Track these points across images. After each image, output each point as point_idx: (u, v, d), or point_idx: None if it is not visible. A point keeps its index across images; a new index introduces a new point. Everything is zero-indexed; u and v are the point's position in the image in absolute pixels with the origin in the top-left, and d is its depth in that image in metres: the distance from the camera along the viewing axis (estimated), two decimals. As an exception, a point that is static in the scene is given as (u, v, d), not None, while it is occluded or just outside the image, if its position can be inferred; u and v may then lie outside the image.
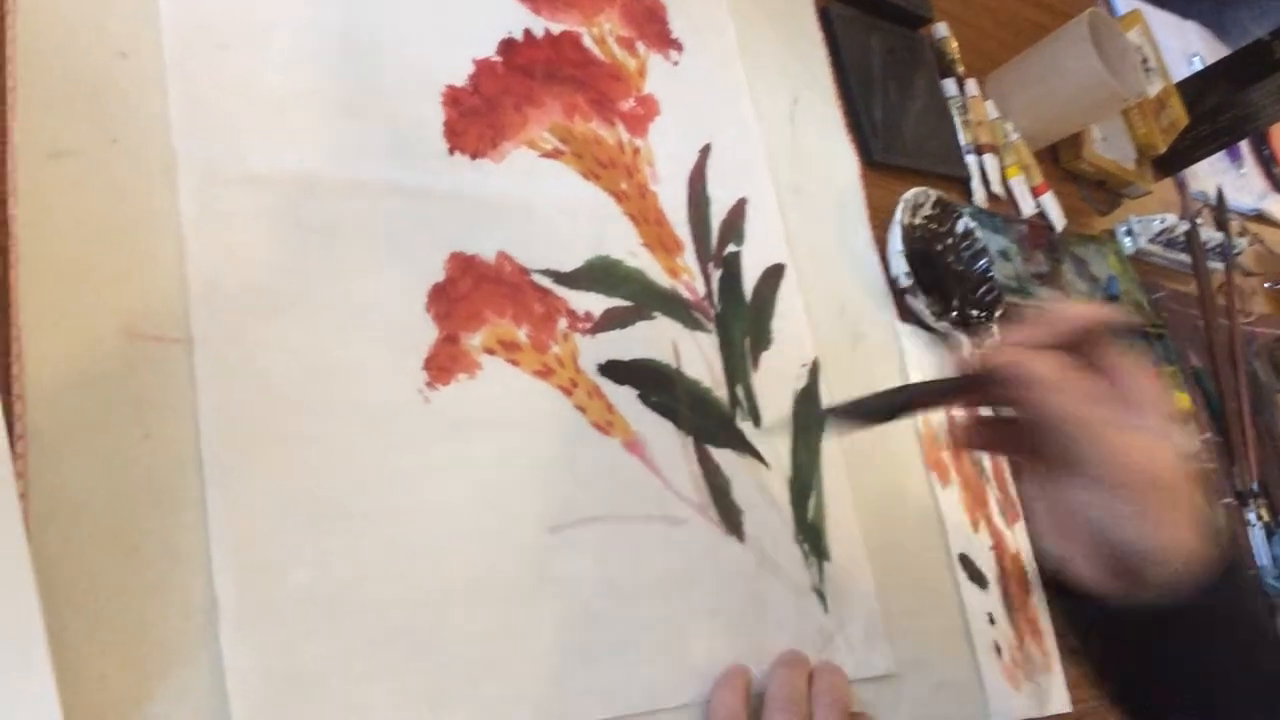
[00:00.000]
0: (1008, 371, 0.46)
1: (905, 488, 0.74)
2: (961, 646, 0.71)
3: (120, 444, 0.42)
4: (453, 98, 0.58)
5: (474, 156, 0.58)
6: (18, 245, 0.41)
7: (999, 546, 0.78)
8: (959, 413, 0.53)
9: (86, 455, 0.41)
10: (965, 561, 0.74)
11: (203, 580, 0.42)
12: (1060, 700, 0.75)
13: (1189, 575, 0.48)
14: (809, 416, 0.69)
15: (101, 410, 0.42)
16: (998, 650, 0.72)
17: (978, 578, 0.74)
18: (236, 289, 0.47)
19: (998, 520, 0.79)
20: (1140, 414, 0.47)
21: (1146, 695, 0.54)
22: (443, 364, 0.52)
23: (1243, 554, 0.54)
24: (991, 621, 0.73)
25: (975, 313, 0.83)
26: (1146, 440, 0.47)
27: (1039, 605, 0.79)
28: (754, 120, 0.76)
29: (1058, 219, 1.00)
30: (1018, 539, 0.81)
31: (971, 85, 0.98)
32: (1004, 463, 0.83)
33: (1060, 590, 0.54)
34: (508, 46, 0.62)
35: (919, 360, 0.79)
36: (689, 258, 0.66)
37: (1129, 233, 1.09)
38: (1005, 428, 0.52)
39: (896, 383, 0.77)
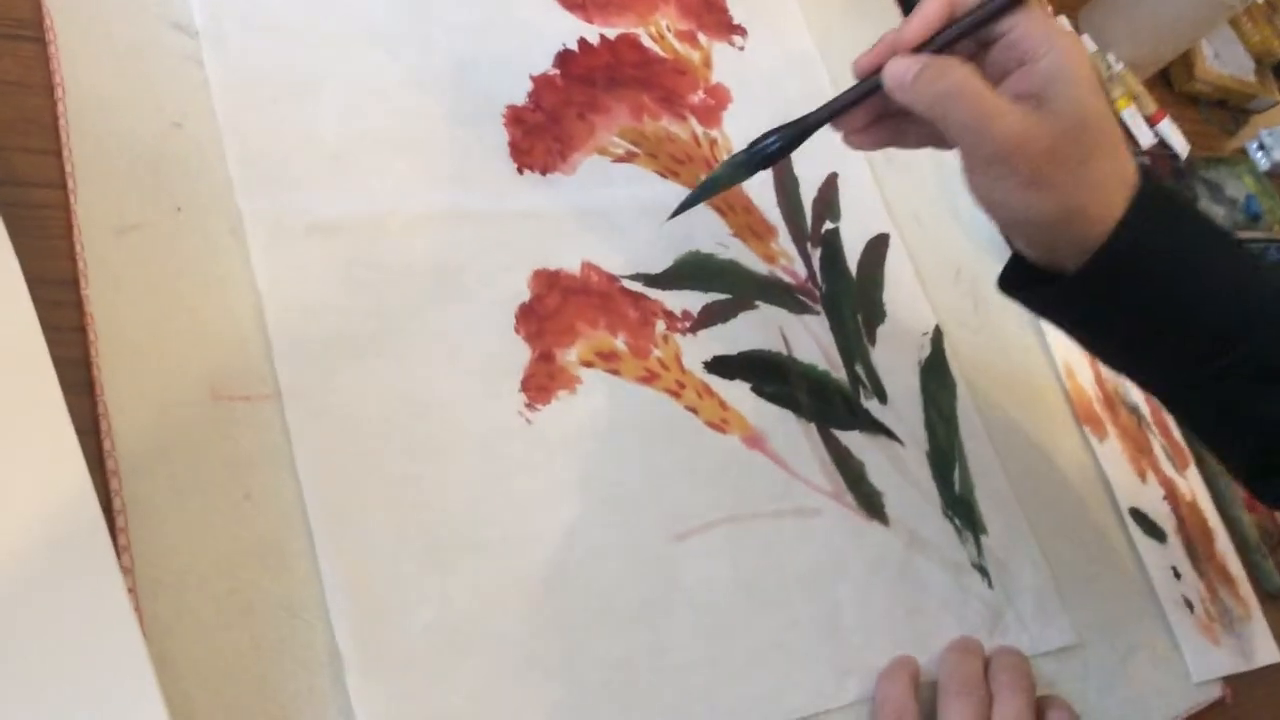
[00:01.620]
0: (881, 80, 0.49)
1: (1058, 447, 0.69)
2: (1148, 606, 0.66)
3: (221, 506, 0.41)
4: (514, 117, 0.57)
5: (544, 172, 0.57)
6: (94, 323, 0.41)
7: (1172, 496, 0.72)
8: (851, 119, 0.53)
9: (188, 521, 0.40)
10: (1137, 516, 0.69)
11: (323, 633, 0.41)
12: (1268, 650, 0.69)
13: (1096, 233, 0.48)
14: (940, 387, 0.65)
15: (197, 475, 0.41)
16: (1188, 605, 0.67)
17: (1154, 531, 0.69)
18: (319, 338, 0.46)
19: (1166, 468, 0.74)
20: (1028, 75, 0.47)
21: (1128, 357, 0.56)
22: (540, 383, 0.50)
23: (1175, 202, 0.52)
24: (1177, 575, 0.68)
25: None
26: (1012, 109, 0.46)
27: (1227, 552, 0.73)
28: (832, 91, 0.73)
29: (1180, 145, 0.94)
30: (1192, 485, 0.75)
31: (1063, 22, 0.93)
32: (1164, 410, 0.77)
33: (1011, 282, 0.55)
34: (564, 58, 0.61)
35: (1051, 312, 0.74)
36: (784, 241, 0.63)
37: (1261, 147, 1.02)
38: (904, 121, 0.52)
39: (1031, 344, 0.72)
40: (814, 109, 0.52)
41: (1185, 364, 0.52)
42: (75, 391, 0.39)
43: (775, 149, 0.52)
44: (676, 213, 0.55)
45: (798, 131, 0.52)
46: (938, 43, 0.48)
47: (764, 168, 0.53)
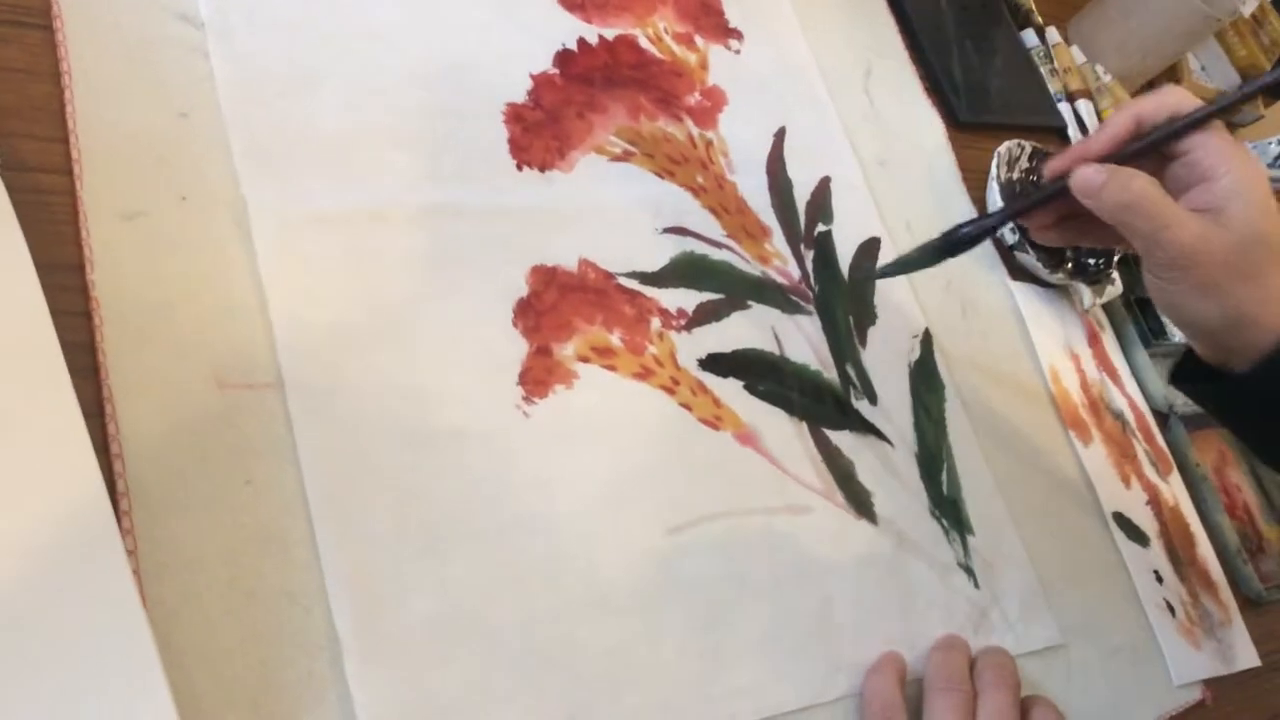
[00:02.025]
0: (1069, 184, 0.52)
1: (1045, 451, 0.70)
2: (1130, 609, 0.67)
3: (224, 493, 0.42)
4: (514, 114, 0.58)
5: (543, 169, 0.57)
6: (100, 308, 0.41)
7: (1155, 501, 0.73)
8: (1039, 218, 0.58)
9: (191, 507, 0.41)
10: (1121, 520, 0.70)
11: (322, 619, 0.41)
12: (1247, 655, 0.70)
13: (1265, 339, 0.51)
14: (928, 390, 0.66)
15: (201, 462, 0.42)
16: (1170, 609, 0.68)
17: (1137, 535, 0.70)
18: (322, 328, 0.47)
19: (1149, 473, 0.75)
20: (1207, 191, 0.51)
21: None
22: (538, 377, 0.51)
23: None
24: (1159, 579, 0.69)
25: (1092, 261, 0.79)
26: (1190, 219, 0.50)
27: (1208, 557, 0.74)
28: (827, 97, 0.74)
29: (1166, 156, 0.94)
30: (1175, 490, 0.76)
31: (1053, 33, 0.95)
32: (1148, 414, 0.78)
33: (1182, 376, 0.59)
34: (563, 58, 0.62)
35: (1039, 318, 0.75)
36: (778, 242, 0.64)
37: (1246, 160, 1.03)
38: (1090, 222, 0.54)
39: (1018, 348, 0.73)
40: (1006, 205, 0.57)
41: None
42: (80, 375, 0.40)
43: (967, 236, 0.58)
44: (875, 275, 0.65)
45: (990, 224, 0.58)
46: (1123, 153, 0.52)
47: (954, 254, 0.59)
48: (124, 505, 0.39)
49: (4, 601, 0.35)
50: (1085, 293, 0.78)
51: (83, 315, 0.41)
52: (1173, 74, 1.01)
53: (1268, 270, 0.50)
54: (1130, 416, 0.77)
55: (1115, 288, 0.79)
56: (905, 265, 0.62)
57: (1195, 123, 0.51)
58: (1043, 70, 0.91)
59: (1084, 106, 0.91)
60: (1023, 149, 0.79)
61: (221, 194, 0.47)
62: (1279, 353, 0.51)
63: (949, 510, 0.61)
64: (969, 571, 0.60)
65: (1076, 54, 0.95)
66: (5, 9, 0.46)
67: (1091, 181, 0.51)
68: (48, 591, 0.35)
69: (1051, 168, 0.55)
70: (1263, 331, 0.51)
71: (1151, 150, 0.52)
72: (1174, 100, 0.52)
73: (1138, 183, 0.50)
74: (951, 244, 0.58)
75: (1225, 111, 0.52)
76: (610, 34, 0.64)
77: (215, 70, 0.49)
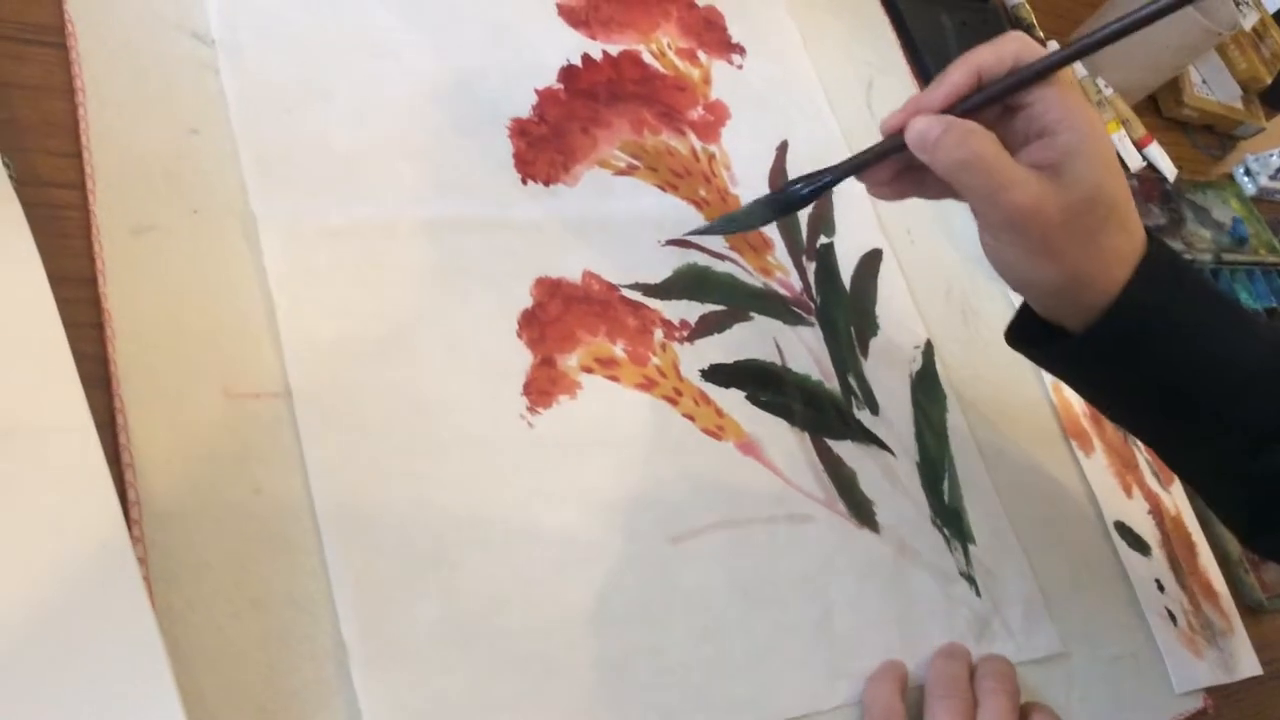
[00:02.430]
0: (904, 139, 0.50)
1: (1046, 460, 0.70)
2: (1131, 618, 0.67)
3: (233, 501, 0.42)
4: (519, 129, 0.59)
5: (547, 183, 0.58)
6: (112, 320, 0.42)
7: (1156, 510, 0.74)
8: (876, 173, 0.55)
9: (201, 516, 0.41)
10: (1122, 529, 0.70)
11: (329, 626, 0.42)
12: (1249, 663, 0.70)
13: (1101, 299, 0.50)
14: (930, 399, 0.66)
15: (211, 470, 0.42)
16: (1172, 618, 0.68)
17: (1138, 544, 0.70)
18: (330, 339, 0.47)
19: (1151, 483, 0.75)
20: (1047, 146, 0.49)
21: (1129, 415, 0.59)
22: (542, 388, 0.52)
23: (1179, 268, 0.54)
24: (1160, 588, 0.69)
25: (1092, 272, 0.79)
26: (1028, 178, 0.48)
27: (1210, 566, 0.74)
28: (829, 111, 0.74)
29: (1168, 169, 0.95)
30: (1176, 500, 0.76)
31: (1054, 47, 0.95)
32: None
33: (1020, 336, 0.57)
34: (568, 73, 0.62)
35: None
36: (780, 254, 0.65)
37: (1247, 173, 1.04)
38: (927, 173, 0.52)
39: (1019, 359, 0.73)
40: (840, 161, 0.55)
41: (1182, 424, 0.55)
42: (93, 386, 0.40)
43: (801, 195, 0.56)
44: (690, 235, 0.60)
45: (823, 182, 0.55)
46: (962, 107, 0.50)
47: (787, 213, 0.57)
48: (135, 514, 0.40)
49: (19, 607, 0.35)
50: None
51: (95, 327, 0.42)
52: (1174, 87, 1.02)
53: (1106, 229, 0.50)
54: (1132, 427, 0.77)
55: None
56: (731, 222, 0.60)
57: (1038, 74, 0.49)
58: (1044, 84, 0.91)
59: (1085, 119, 0.91)
60: (1024, 162, 0.80)
61: (231, 208, 0.48)
62: (1113, 313, 0.50)
63: (951, 519, 0.62)
64: (971, 580, 0.60)
65: (1077, 68, 0.96)
66: (21, 27, 0.47)
67: (927, 135, 0.49)
68: (61, 598, 0.36)
69: (888, 123, 0.52)
70: (1099, 293, 0.50)
71: (991, 103, 0.50)
72: (1015, 48, 0.50)
73: (975, 139, 0.48)
74: (784, 201, 0.57)
75: (1067, 61, 0.49)
76: (614, 49, 0.65)
77: (225, 87, 0.50)
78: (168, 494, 0.41)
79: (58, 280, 0.41)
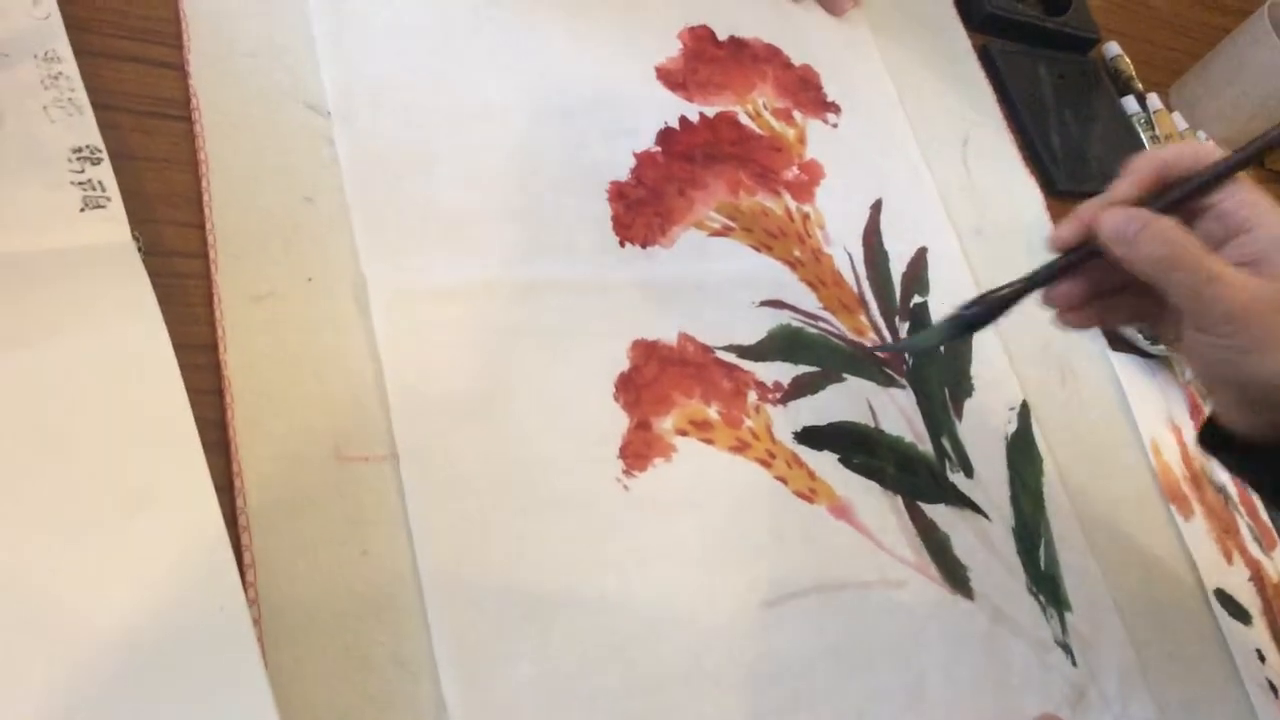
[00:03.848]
0: (1091, 235, 0.48)
1: (1144, 525, 0.69)
2: (1231, 689, 0.65)
3: (341, 562, 0.44)
4: (618, 192, 0.60)
5: (644, 245, 0.59)
6: (230, 386, 0.44)
7: (1258, 577, 0.72)
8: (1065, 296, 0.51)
9: (311, 576, 0.43)
10: (1223, 597, 0.68)
11: (430, 685, 0.43)
12: (1356, 739, 0.68)
13: None
14: (1026, 462, 0.66)
15: (321, 532, 0.44)
16: (1273, 689, 0.66)
17: (1239, 613, 0.68)
18: (434, 400, 0.49)
19: (1252, 549, 0.73)
20: (1245, 244, 0.46)
21: None
22: (638, 450, 0.52)
23: None
24: (1261, 659, 0.67)
25: (1193, 331, 0.78)
26: (1236, 273, 0.45)
27: (1316, 638, 0.72)
28: (924, 168, 0.75)
29: (1272, 222, 0.93)
30: (1279, 567, 0.74)
31: (1154, 99, 0.94)
32: (1249, 490, 0.77)
33: (1224, 446, 0.53)
34: (666, 136, 0.64)
35: (1139, 389, 0.74)
36: (873, 314, 0.65)
37: (1356, 225, 1.00)
38: (1115, 298, 0.50)
39: (1118, 420, 0.73)
40: (1024, 275, 0.51)
41: None
42: (212, 450, 0.42)
43: (975, 316, 0.52)
44: (876, 349, 0.59)
45: (1000, 301, 0.51)
46: (1153, 208, 0.47)
47: (964, 335, 0.55)
48: (250, 576, 0.41)
49: (140, 665, 0.37)
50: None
51: (215, 393, 0.44)
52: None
53: None
54: (1233, 490, 0.76)
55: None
56: (912, 345, 0.58)
57: (1222, 174, 0.47)
58: (1144, 137, 0.90)
59: (1186, 173, 0.90)
60: (1122, 218, 0.79)
61: (344, 273, 0.49)
62: None
63: (1047, 586, 0.61)
64: (1067, 649, 0.60)
65: (1178, 120, 0.94)
66: (150, 101, 0.50)
67: (1125, 230, 0.46)
68: (180, 654, 0.38)
69: (1058, 236, 0.50)
70: None
71: (1176, 206, 0.47)
72: (1192, 150, 0.48)
73: (1177, 232, 0.46)
74: (964, 324, 0.53)
75: (1252, 160, 0.47)
76: (711, 111, 0.66)
77: (340, 155, 0.52)
78: (281, 555, 0.42)
79: (181, 348, 0.43)
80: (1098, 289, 0.51)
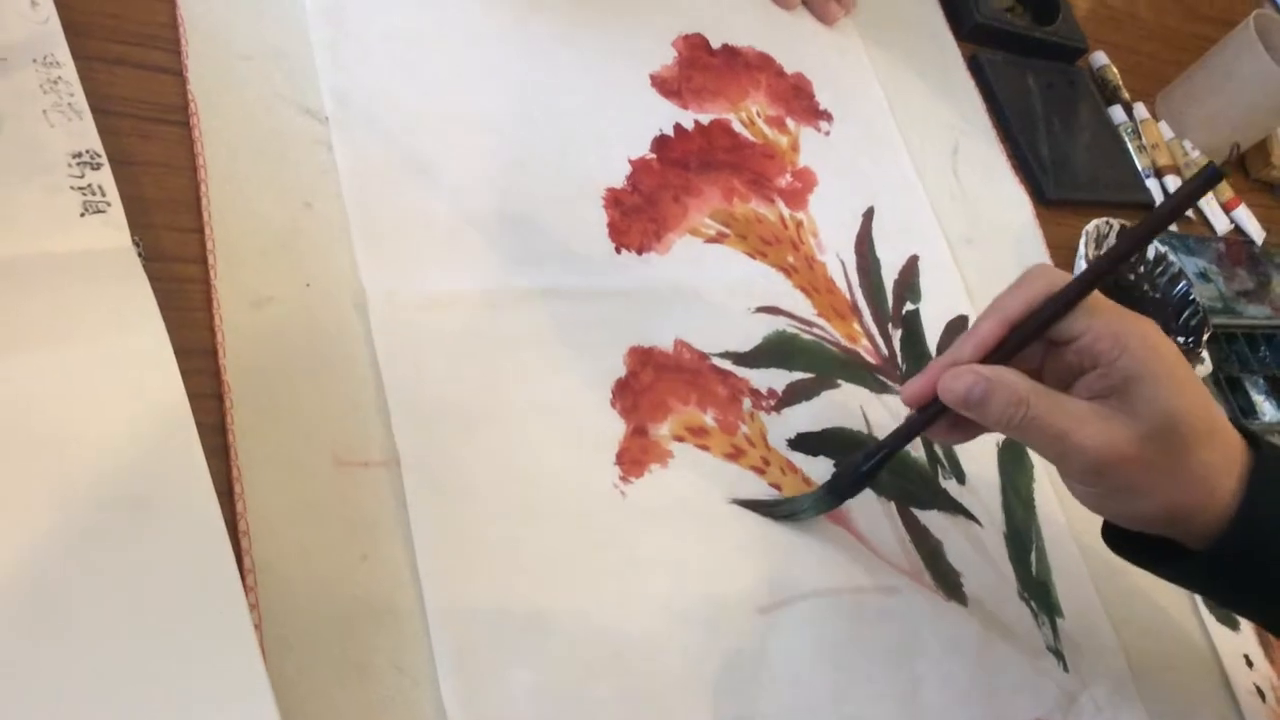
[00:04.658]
0: (945, 401, 0.47)
1: (1132, 531, 0.70)
2: (1219, 694, 0.66)
3: (341, 568, 0.44)
4: (613, 199, 0.60)
5: (640, 252, 0.59)
6: (230, 391, 0.44)
7: (1247, 583, 0.72)
8: (937, 432, 0.51)
9: (311, 582, 0.43)
10: (1210, 604, 0.69)
11: (430, 691, 0.43)
12: (1343, 744, 0.69)
13: (1211, 524, 0.46)
14: (1017, 469, 0.66)
15: (320, 538, 0.44)
16: (1260, 695, 0.67)
17: (1227, 619, 0.69)
18: (433, 406, 0.49)
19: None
20: (1104, 376, 0.45)
21: (1256, 616, 0.55)
22: (635, 457, 0.53)
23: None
24: (1249, 664, 0.68)
25: (1181, 339, 0.79)
26: (1089, 422, 0.45)
27: (1302, 643, 0.73)
28: (915, 176, 0.75)
29: (1256, 232, 0.94)
30: (1267, 573, 0.75)
31: (1140, 109, 0.95)
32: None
33: (1123, 545, 0.52)
34: (660, 143, 0.64)
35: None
36: (866, 322, 0.65)
37: (1338, 234, 1.02)
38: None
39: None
40: (890, 433, 0.52)
41: None
42: (211, 455, 0.42)
43: (851, 478, 0.53)
44: (741, 502, 0.55)
45: (879, 457, 0.52)
46: (997, 356, 0.47)
47: (845, 498, 0.54)
48: (250, 581, 0.41)
49: (142, 671, 0.37)
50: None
51: (215, 398, 0.44)
52: (1262, 149, 1.01)
53: (1193, 449, 0.45)
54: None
55: (1205, 366, 0.79)
56: (792, 507, 0.55)
57: (1070, 302, 0.46)
58: (1130, 146, 0.91)
59: (1172, 182, 0.91)
60: (1110, 227, 0.80)
61: (342, 280, 0.49)
62: (1233, 532, 0.46)
63: (1038, 592, 0.62)
64: (1058, 655, 0.60)
65: (1164, 129, 0.95)
66: (148, 107, 0.50)
67: (968, 394, 0.46)
68: (182, 660, 0.38)
69: (911, 394, 0.49)
70: (1207, 516, 0.46)
71: (1024, 345, 0.47)
72: (1042, 285, 0.46)
73: (1019, 390, 0.45)
74: (839, 489, 0.53)
75: (1091, 287, 0.46)
76: (705, 119, 0.67)
77: (338, 161, 0.52)
78: (281, 561, 0.42)
79: (180, 353, 0.43)
80: (960, 419, 0.49)
